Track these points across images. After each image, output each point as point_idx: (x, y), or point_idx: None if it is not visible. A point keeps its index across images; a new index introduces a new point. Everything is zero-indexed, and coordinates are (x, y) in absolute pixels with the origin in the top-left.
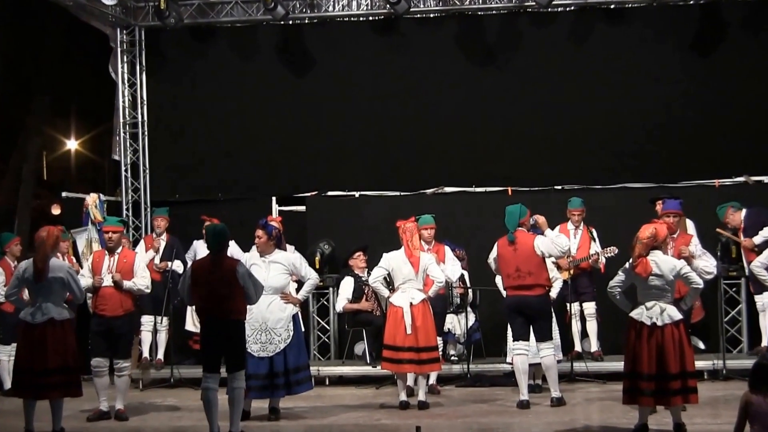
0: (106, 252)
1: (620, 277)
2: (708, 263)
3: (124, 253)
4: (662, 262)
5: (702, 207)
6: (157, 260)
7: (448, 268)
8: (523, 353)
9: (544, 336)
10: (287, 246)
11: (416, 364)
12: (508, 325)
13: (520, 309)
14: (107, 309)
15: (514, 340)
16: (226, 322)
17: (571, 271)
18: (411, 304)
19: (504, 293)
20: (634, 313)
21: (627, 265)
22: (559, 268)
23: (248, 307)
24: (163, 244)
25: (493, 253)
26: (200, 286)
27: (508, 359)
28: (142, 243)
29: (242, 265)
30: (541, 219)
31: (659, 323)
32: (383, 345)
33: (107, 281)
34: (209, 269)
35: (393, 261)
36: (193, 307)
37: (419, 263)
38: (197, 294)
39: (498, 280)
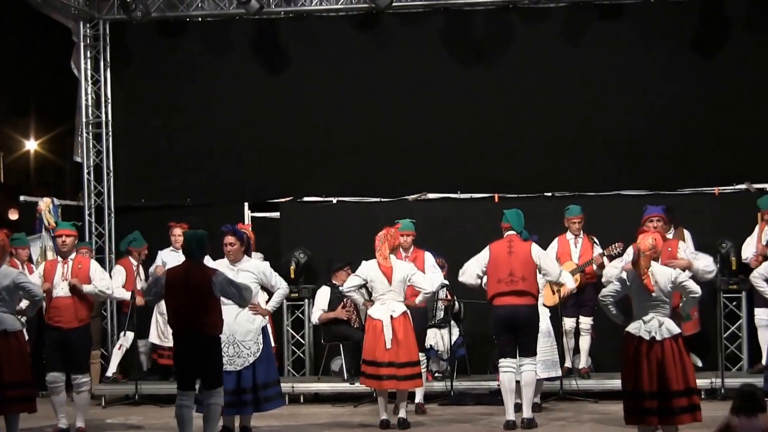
0: (59, 258)
1: (615, 286)
2: (706, 262)
3: (78, 260)
4: (659, 274)
5: (700, 216)
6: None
7: (428, 277)
8: (510, 371)
9: (530, 351)
10: (256, 253)
11: (396, 380)
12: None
13: (510, 322)
14: (62, 321)
15: (501, 357)
16: (201, 337)
17: (578, 278)
18: (391, 317)
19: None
20: (632, 328)
21: (624, 275)
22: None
23: None
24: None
25: (483, 258)
26: (174, 298)
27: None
28: (121, 270)
29: (219, 274)
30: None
31: (658, 337)
32: (362, 360)
33: (61, 291)
34: (184, 279)
35: (371, 271)
36: (158, 319)
37: (392, 273)
38: (170, 306)
39: (466, 273)
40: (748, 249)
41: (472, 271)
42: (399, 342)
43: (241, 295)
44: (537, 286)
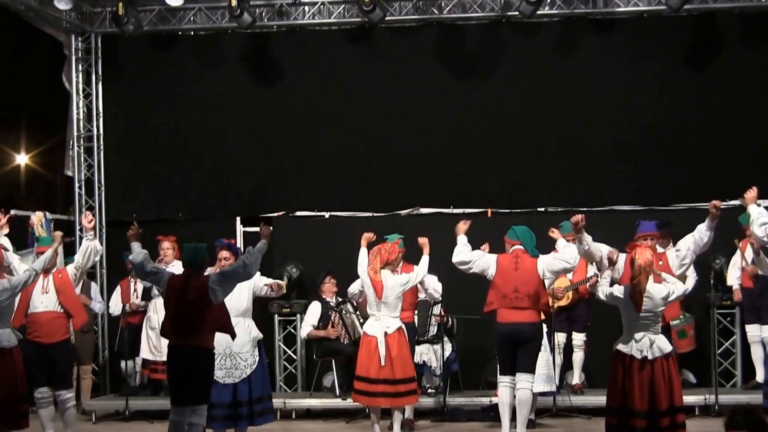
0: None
1: (607, 291)
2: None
3: (58, 271)
4: (652, 292)
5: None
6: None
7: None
8: (510, 386)
9: (527, 366)
10: None
11: (391, 397)
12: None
13: (511, 339)
14: (42, 335)
15: (501, 374)
16: (193, 349)
17: (570, 295)
18: (386, 333)
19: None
20: (622, 347)
21: (619, 293)
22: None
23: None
24: (141, 286)
25: (489, 264)
26: (171, 305)
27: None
28: (118, 291)
29: (211, 276)
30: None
31: (650, 357)
32: (354, 376)
33: (41, 305)
34: (183, 288)
35: (366, 281)
36: (149, 334)
37: (382, 288)
38: (168, 312)
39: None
40: (733, 272)
41: (471, 259)
42: (393, 358)
43: (244, 270)
44: (544, 299)
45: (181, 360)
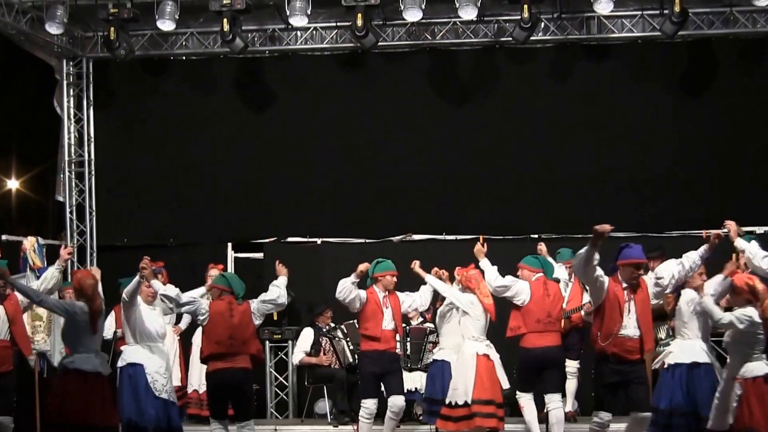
0: None
1: (748, 316)
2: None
3: (9, 298)
4: None
5: None
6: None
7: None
8: (530, 400)
9: (557, 386)
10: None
11: (497, 419)
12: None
13: (540, 363)
14: None
15: (523, 391)
16: (237, 370)
17: (563, 324)
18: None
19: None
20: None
21: (758, 318)
22: None
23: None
24: None
25: (524, 291)
26: (217, 330)
27: None
28: (112, 315)
29: (252, 302)
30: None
31: None
32: (476, 401)
33: None
34: (228, 314)
35: (476, 308)
36: None
37: (494, 310)
38: (211, 338)
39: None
40: None
41: (510, 284)
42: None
43: (279, 300)
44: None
45: (227, 380)
